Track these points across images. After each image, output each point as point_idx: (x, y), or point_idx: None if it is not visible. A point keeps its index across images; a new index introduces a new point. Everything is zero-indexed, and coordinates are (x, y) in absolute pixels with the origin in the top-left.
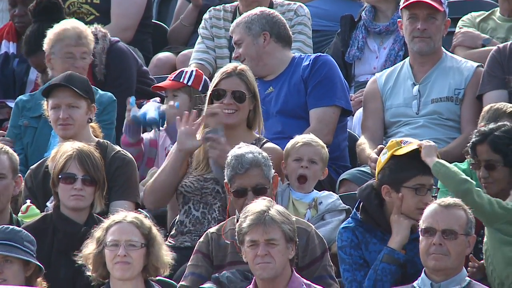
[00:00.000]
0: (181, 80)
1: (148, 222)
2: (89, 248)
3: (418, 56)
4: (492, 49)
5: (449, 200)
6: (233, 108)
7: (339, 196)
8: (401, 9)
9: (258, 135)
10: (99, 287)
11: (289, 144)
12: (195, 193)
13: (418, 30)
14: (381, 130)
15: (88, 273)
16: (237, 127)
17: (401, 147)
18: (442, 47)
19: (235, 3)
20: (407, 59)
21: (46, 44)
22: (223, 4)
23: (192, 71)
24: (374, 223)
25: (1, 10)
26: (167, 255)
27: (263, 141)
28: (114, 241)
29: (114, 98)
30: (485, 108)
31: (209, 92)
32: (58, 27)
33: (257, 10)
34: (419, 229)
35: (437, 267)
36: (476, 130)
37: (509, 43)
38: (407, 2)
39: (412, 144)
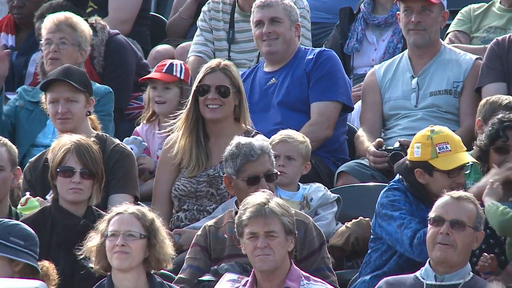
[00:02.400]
0: (174, 74)
1: (151, 214)
2: (93, 240)
3: (416, 48)
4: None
5: (461, 193)
6: (218, 103)
7: (337, 188)
8: (395, 1)
9: (246, 128)
10: (101, 279)
11: (269, 140)
12: (190, 196)
13: (412, 23)
14: (380, 123)
15: (90, 265)
16: (224, 121)
17: (437, 157)
18: (440, 40)
19: None
20: (406, 51)
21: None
22: None
23: (181, 64)
24: (419, 194)
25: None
26: (170, 249)
27: (252, 134)
28: (114, 231)
29: (111, 90)
30: (481, 102)
31: (193, 88)
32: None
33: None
34: (429, 219)
35: (442, 258)
36: (500, 116)
37: (508, 35)
38: None
39: (456, 154)
